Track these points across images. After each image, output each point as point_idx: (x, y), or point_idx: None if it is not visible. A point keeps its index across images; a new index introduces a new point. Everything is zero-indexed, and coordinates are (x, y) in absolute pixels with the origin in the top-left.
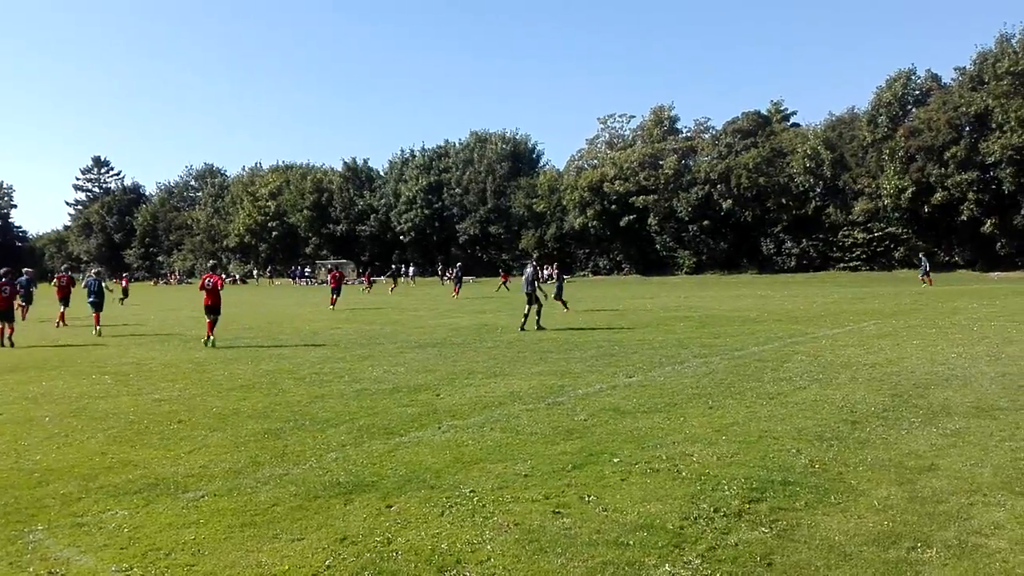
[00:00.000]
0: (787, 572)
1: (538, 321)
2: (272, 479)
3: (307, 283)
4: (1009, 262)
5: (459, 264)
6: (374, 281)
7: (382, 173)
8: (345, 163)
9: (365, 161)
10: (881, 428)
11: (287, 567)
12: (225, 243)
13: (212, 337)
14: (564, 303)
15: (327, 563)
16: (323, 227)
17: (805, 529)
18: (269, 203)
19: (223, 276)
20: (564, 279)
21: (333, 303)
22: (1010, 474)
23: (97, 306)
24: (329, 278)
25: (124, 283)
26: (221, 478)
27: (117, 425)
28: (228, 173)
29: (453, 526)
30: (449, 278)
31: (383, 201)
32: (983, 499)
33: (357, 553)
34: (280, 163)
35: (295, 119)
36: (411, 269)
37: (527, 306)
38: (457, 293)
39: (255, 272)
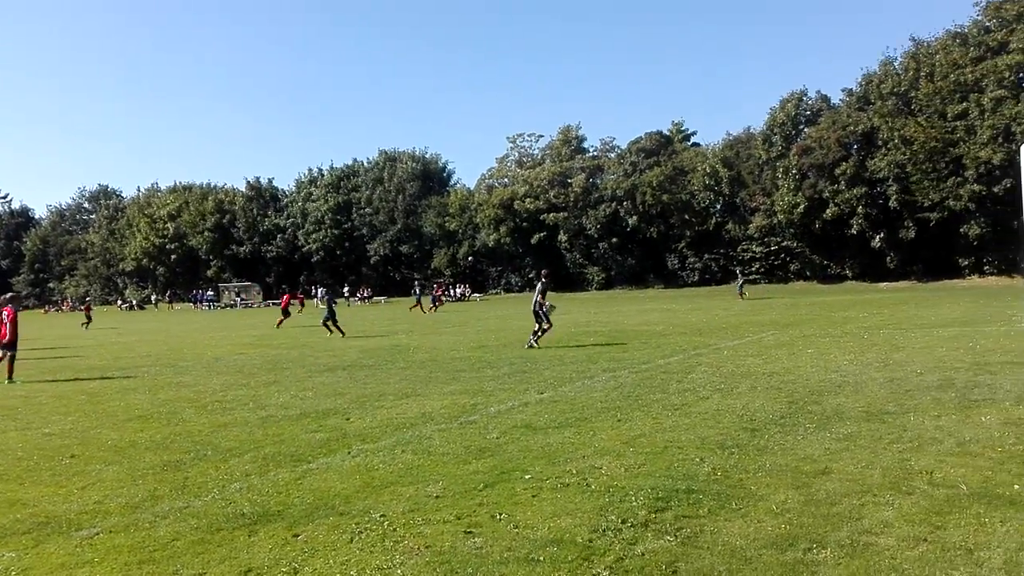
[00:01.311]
0: None
1: (533, 339)
2: (172, 513)
3: (210, 307)
4: (896, 274)
5: (417, 281)
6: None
7: (288, 193)
8: (248, 183)
9: (270, 180)
10: (778, 434)
11: None
12: (121, 267)
13: (11, 377)
14: (338, 329)
15: None
16: (225, 248)
17: (708, 535)
18: (167, 225)
19: (18, 308)
20: (335, 302)
21: (280, 323)
22: (898, 475)
23: None
24: (283, 300)
25: (87, 309)
26: (117, 514)
27: (4, 462)
28: (124, 194)
29: (363, 552)
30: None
31: (290, 221)
32: (873, 499)
33: None
34: (179, 183)
35: (195, 138)
36: (320, 291)
37: (536, 324)
38: (423, 309)
39: (153, 297)
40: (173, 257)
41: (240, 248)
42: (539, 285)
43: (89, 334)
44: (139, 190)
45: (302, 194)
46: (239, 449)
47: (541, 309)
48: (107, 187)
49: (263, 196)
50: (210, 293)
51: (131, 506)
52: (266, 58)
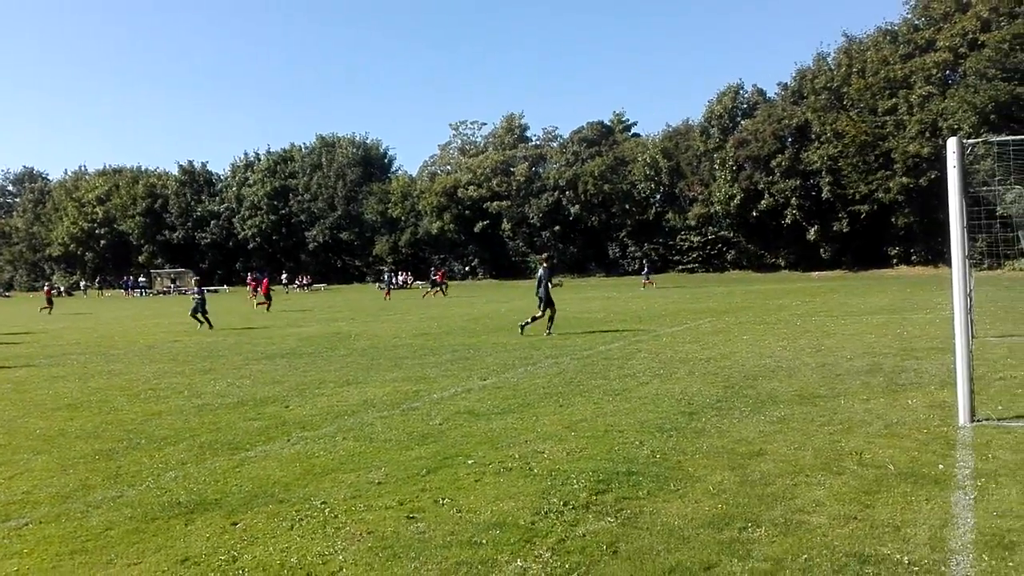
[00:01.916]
0: (631, 558)
1: (535, 323)
2: (105, 502)
3: (141, 294)
4: (828, 263)
5: (387, 270)
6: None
7: (223, 177)
8: (181, 166)
9: (204, 164)
10: (715, 418)
11: None
12: (48, 252)
13: None
14: (207, 320)
15: None
16: (158, 234)
17: (647, 516)
18: (96, 209)
19: None
20: (204, 292)
21: (268, 307)
22: (828, 456)
23: None
24: (260, 285)
25: (48, 293)
26: (47, 504)
27: None
28: (50, 177)
29: (303, 539)
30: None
31: (225, 207)
32: (805, 479)
33: (200, 574)
34: (108, 166)
35: (124, 120)
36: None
37: (543, 310)
38: (385, 297)
39: (82, 283)
40: (103, 242)
41: (173, 234)
42: (542, 271)
43: (11, 321)
44: (66, 173)
45: (237, 179)
46: (174, 438)
47: (548, 294)
48: (32, 169)
49: (197, 180)
50: (142, 279)
51: (62, 496)
52: (199, 38)
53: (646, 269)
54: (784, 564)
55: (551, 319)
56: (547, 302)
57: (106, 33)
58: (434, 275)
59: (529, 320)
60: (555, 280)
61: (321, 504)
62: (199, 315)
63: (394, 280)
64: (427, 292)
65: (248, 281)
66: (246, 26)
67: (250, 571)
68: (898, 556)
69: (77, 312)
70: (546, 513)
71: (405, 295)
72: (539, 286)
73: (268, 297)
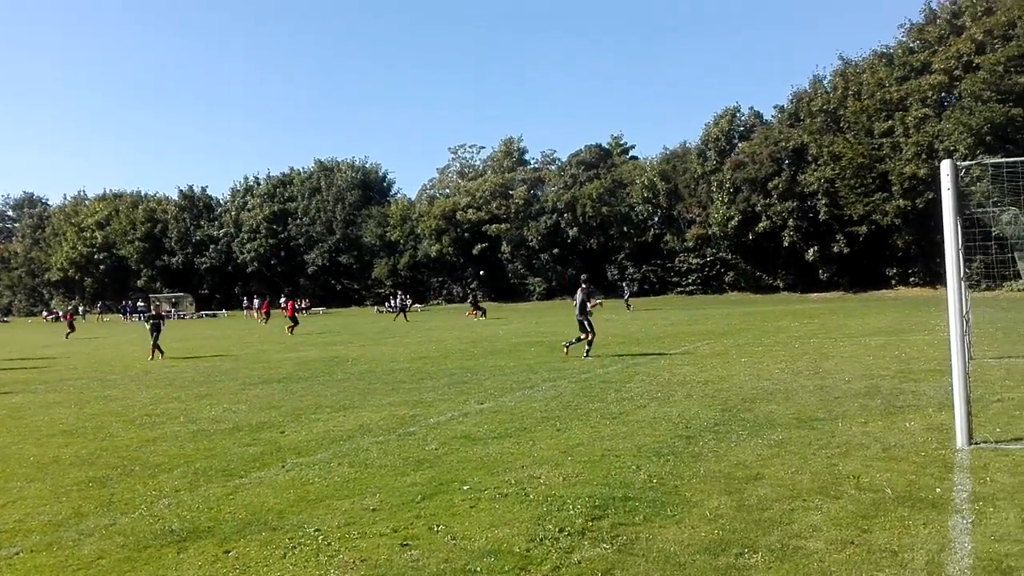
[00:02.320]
0: None
1: (588, 349)
2: (97, 530)
3: (140, 319)
4: (827, 284)
5: (400, 294)
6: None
7: (222, 202)
8: (181, 191)
9: (203, 189)
10: (712, 441)
11: None
12: (47, 276)
13: None
14: (158, 349)
15: None
16: (157, 259)
17: (644, 542)
18: (96, 234)
19: None
20: (162, 320)
21: (292, 329)
22: (826, 479)
23: None
24: (270, 307)
25: (68, 317)
26: (39, 532)
27: None
28: (50, 202)
29: (296, 567)
30: (390, 309)
31: (224, 231)
32: (803, 504)
33: None
34: (108, 191)
35: (124, 145)
36: (256, 301)
37: (583, 333)
38: (406, 318)
39: (81, 308)
40: (102, 267)
41: (172, 258)
42: (581, 294)
43: (9, 345)
44: (65, 198)
45: (236, 203)
46: (168, 464)
47: (588, 317)
48: (32, 195)
49: (196, 205)
50: (140, 304)
51: (54, 524)
52: (199, 62)
53: (627, 293)
54: None
55: (578, 340)
56: (584, 326)
57: (106, 58)
58: (474, 298)
59: (574, 340)
60: (594, 300)
61: (315, 531)
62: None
63: (392, 303)
64: (470, 312)
65: (259, 305)
66: (246, 51)
67: None
68: None
69: (77, 337)
70: (541, 540)
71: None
72: (579, 311)
73: (294, 319)
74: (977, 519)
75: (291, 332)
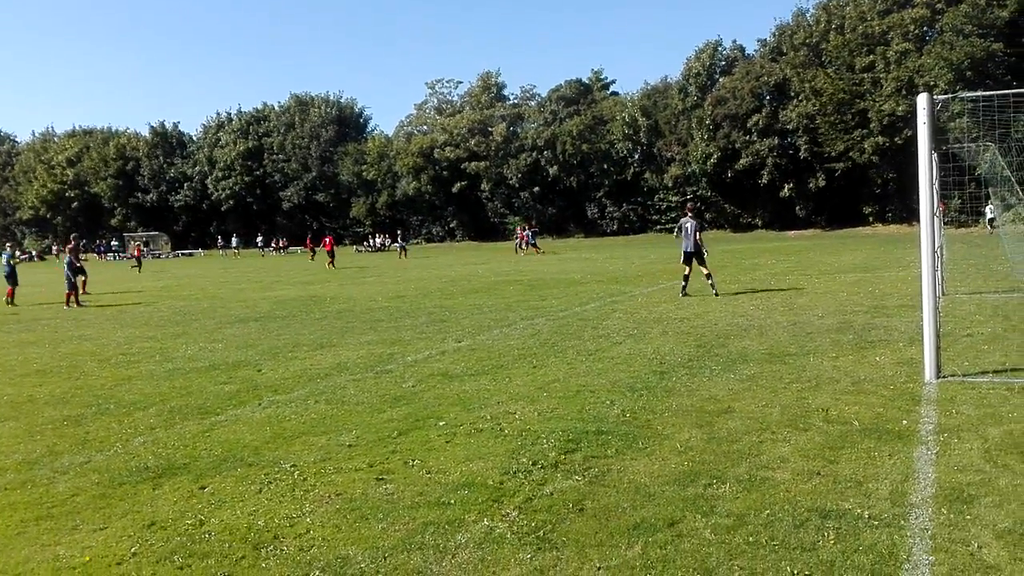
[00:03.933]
0: (597, 515)
1: (712, 283)
2: (72, 468)
3: (115, 258)
4: (805, 222)
5: (399, 232)
6: (316, 250)
7: (195, 138)
8: (152, 128)
9: (175, 125)
10: (686, 377)
11: (88, 558)
12: (18, 215)
13: None
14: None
15: (133, 550)
16: (130, 196)
17: (615, 474)
18: (67, 171)
19: None
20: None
21: (332, 263)
22: (795, 412)
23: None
24: (321, 244)
25: (137, 252)
26: (13, 470)
27: None
28: (18, 139)
29: (271, 502)
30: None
31: (197, 168)
32: (771, 436)
33: (166, 537)
34: (78, 128)
35: (93, 80)
36: (234, 240)
37: (687, 267)
38: (400, 257)
39: (54, 248)
40: (74, 205)
41: (146, 196)
42: (692, 223)
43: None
44: (34, 135)
45: (209, 139)
46: (144, 402)
47: (697, 249)
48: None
49: (169, 141)
50: (115, 243)
51: (28, 462)
52: None
53: (528, 233)
54: (747, 519)
55: (709, 277)
56: (697, 255)
57: None
58: (526, 233)
59: (710, 282)
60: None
61: (291, 467)
62: (10, 278)
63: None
64: (528, 250)
65: (306, 242)
66: None
67: (217, 534)
68: (859, 510)
69: (52, 278)
70: (515, 473)
71: (382, 257)
72: (687, 241)
73: (332, 254)
74: (941, 450)
75: (332, 266)
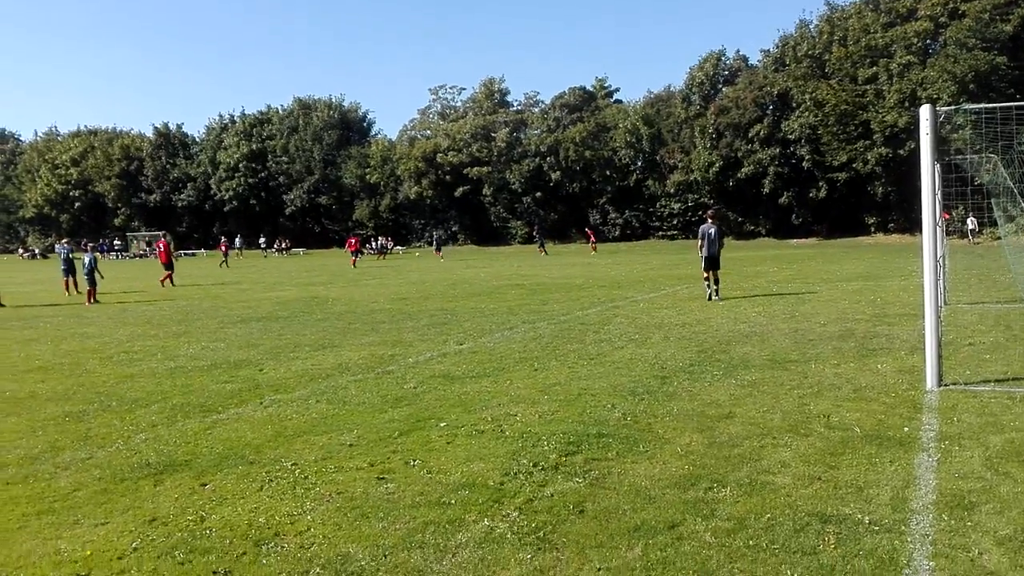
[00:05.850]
0: (597, 517)
1: (717, 290)
2: (74, 463)
3: (117, 257)
4: (807, 230)
5: (383, 238)
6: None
7: (198, 140)
8: (156, 128)
9: (179, 126)
10: (687, 381)
11: (89, 552)
12: (21, 214)
13: None
14: (89, 286)
15: (134, 545)
16: (134, 196)
17: (615, 477)
18: (71, 171)
19: None
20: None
21: (354, 263)
22: (796, 418)
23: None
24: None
25: (223, 248)
26: (15, 465)
27: None
28: (22, 138)
29: (272, 499)
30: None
31: (201, 169)
32: (772, 441)
33: (167, 533)
34: (82, 127)
35: (97, 81)
36: (237, 240)
37: (710, 271)
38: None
39: (56, 246)
40: (77, 204)
41: (149, 196)
42: (715, 229)
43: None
44: (37, 134)
45: (212, 141)
46: (146, 400)
47: (719, 254)
48: (3, 130)
49: (172, 143)
50: (117, 242)
51: (30, 457)
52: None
53: (539, 236)
54: (747, 523)
55: (713, 281)
56: (715, 262)
57: None
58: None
59: (717, 287)
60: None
61: (292, 465)
62: (89, 278)
63: (373, 245)
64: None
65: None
66: None
67: (217, 531)
68: (859, 516)
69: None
70: (515, 474)
71: (404, 260)
72: (710, 245)
73: (361, 253)
74: (943, 457)
75: (354, 266)
